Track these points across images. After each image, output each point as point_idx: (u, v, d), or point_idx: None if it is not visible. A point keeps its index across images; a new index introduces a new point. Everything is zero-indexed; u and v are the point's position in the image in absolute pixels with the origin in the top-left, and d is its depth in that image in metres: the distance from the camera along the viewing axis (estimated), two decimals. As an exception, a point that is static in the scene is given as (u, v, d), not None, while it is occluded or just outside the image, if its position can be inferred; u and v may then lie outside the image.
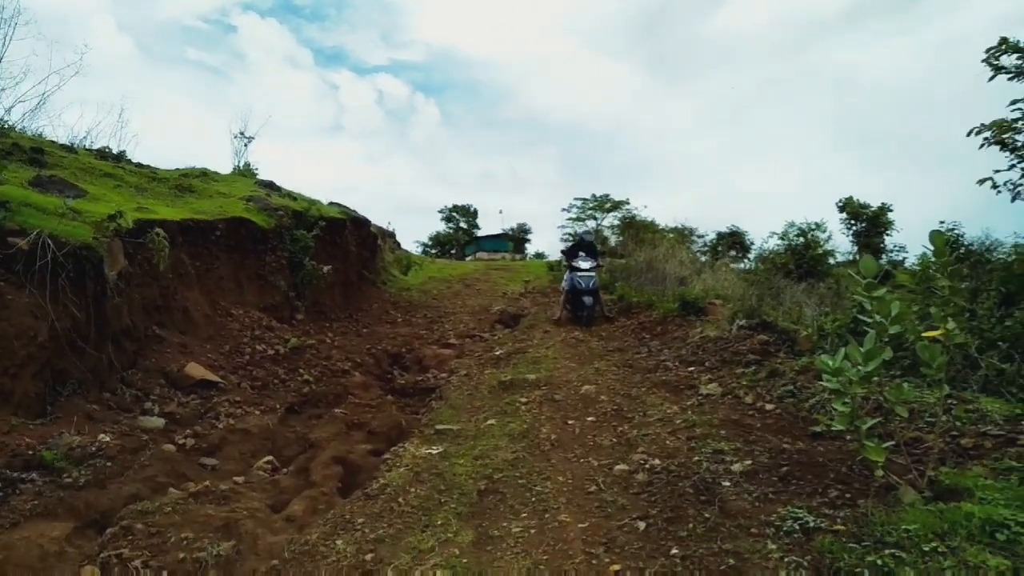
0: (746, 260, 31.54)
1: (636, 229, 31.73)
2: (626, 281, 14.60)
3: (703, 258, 27.10)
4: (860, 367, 3.65)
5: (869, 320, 3.87)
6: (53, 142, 11.69)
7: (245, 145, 16.39)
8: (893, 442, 3.91)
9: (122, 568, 3.98)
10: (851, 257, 26.30)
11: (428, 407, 7.95)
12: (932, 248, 3.99)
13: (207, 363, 7.95)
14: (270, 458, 6.19)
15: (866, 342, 3.71)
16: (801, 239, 22.93)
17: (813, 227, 23.38)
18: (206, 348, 8.42)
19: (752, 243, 34.57)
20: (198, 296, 9.13)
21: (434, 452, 5.88)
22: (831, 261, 23.62)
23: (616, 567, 3.63)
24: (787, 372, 6.53)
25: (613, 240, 33.80)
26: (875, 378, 3.79)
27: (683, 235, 33.71)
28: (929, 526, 3.19)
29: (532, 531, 4.23)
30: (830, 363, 3.75)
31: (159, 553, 4.17)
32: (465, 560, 3.88)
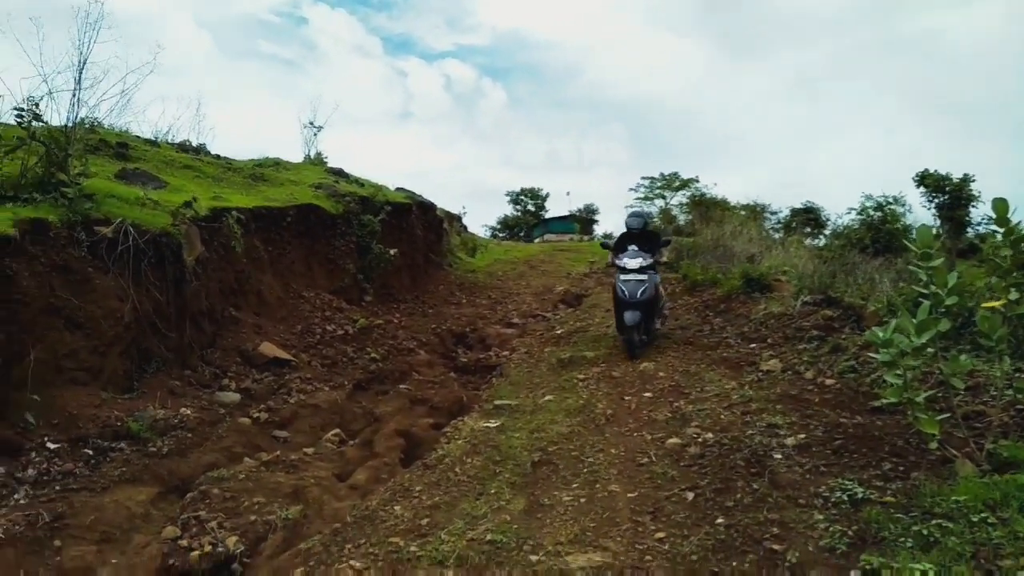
0: (821, 237, 30.45)
1: (705, 207, 31.10)
2: (692, 260, 14.41)
3: (776, 235, 26.37)
4: (912, 339, 3.58)
5: (925, 292, 3.78)
6: (137, 137, 12.39)
7: (315, 134, 16.92)
8: (948, 414, 3.81)
9: (200, 529, 4.31)
10: (934, 231, 25.05)
11: (489, 384, 8.14)
12: (994, 216, 3.85)
13: (280, 342, 8.36)
14: (337, 431, 6.49)
15: (919, 313, 3.63)
16: (878, 213, 22.01)
17: (890, 201, 22.39)
18: (279, 328, 8.84)
19: (828, 219, 33.34)
20: (271, 279, 9.57)
21: (492, 426, 6.05)
22: (912, 236, 22.57)
23: (661, 534, 3.70)
24: (850, 347, 6.38)
25: (682, 219, 33.24)
26: (930, 350, 3.70)
27: (755, 212, 32.81)
28: (980, 497, 3.13)
29: (582, 500, 4.34)
30: (880, 335, 3.68)
31: (233, 516, 4.49)
32: (516, 526, 4.02)
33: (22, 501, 4.42)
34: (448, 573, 3.50)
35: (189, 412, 6.13)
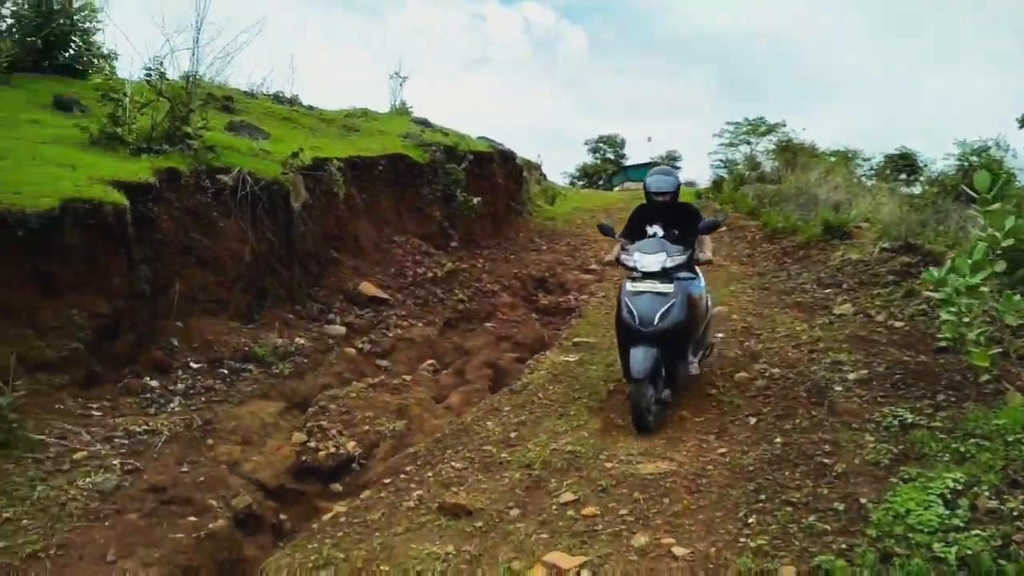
0: (917, 183, 29.15)
1: (792, 153, 30.18)
2: (774, 207, 14.36)
3: (869, 182, 25.45)
4: (967, 278, 3.84)
5: (983, 235, 4.01)
6: (237, 90, 13.25)
7: (400, 84, 17.45)
8: (1000, 349, 4.07)
9: (323, 435, 5.06)
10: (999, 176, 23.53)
11: (568, 324, 8.67)
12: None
13: (377, 283, 9.10)
14: (432, 362, 7.19)
15: (975, 254, 3.87)
16: (975, 158, 20.92)
17: (990, 145, 21.21)
18: (375, 270, 9.59)
19: (924, 165, 31.76)
20: (366, 225, 10.29)
21: (571, 359, 6.58)
22: (1016, 183, 21.39)
23: (723, 450, 4.17)
24: (923, 292, 6.54)
25: (768, 166, 32.38)
26: (984, 289, 3.95)
27: (845, 158, 31.61)
28: (1020, 422, 3.44)
29: (653, 422, 4.83)
30: (936, 274, 3.95)
31: (349, 426, 5.23)
32: (593, 441, 4.57)
33: (177, 408, 5.27)
34: (534, 473, 4.08)
35: (303, 341, 6.93)
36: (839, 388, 4.76)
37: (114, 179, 5.96)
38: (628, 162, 57.63)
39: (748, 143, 45.52)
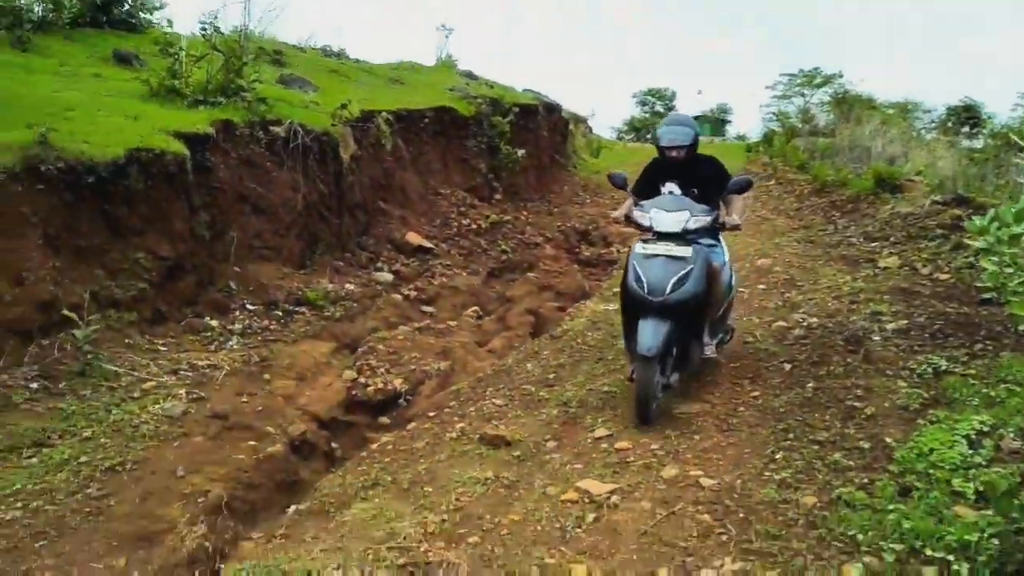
0: (979, 137, 27.96)
1: (848, 105, 29.19)
2: (825, 160, 14.06)
3: (928, 135, 24.53)
4: (1010, 227, 3.82)
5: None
6: (287, 44, 13.45)
7: (446, 37, 17.41)
8: (1040, 298, 4.05)
9: (371, 373, 5.34)
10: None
11: (609, 275, 8.78)
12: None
13: (422, 233, 9.34)
14: (475, 308, 7.42)
15: (1022, 202, 3.84)
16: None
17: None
18: (421, 221, 9.81)
19: (988, 117, 30.37)
20: (412, 177, 10.48)
21: (611, 308, 6.71)
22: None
23: (756, 393, 4.29)
24: (971, 244, 6.44)
25: (822, 120, 31.38)
26: (1027, 237, 3.92)
27: (904, 111, 30.43)
28: (1053, 368, 3.47)
29: (688, 367, 4.95)
30: (978, 223, 3.94)
31: (396, 365, 5.50)
32: (627, 383, 4.72)
33: (235, 346, 5.60)
34: (570, 410, 4.28)
35: (352, 287, 7.22)
36: (876, 338, 4.80)
37: (174, 130, 6.24)
38: (677, 116, 56.26)
39: (802, 95, 43.98)
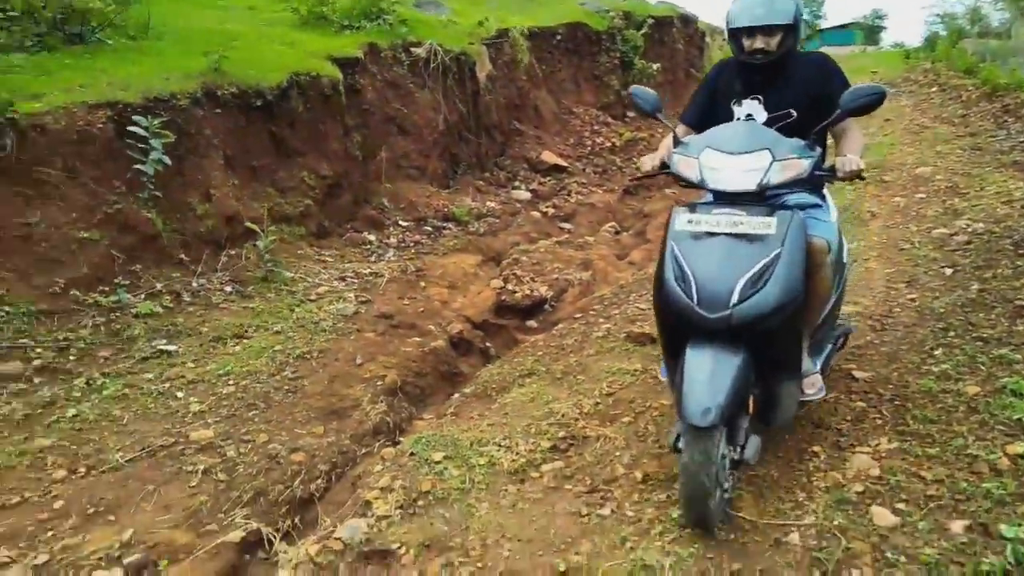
0: None
1: (1028, -1, 25.68)
2: (997, 63, 12.64)
3: None
4: None
5: None
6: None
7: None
8: None
9: (517, 281, 5.59)
10: None
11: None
12: None
13: (557, 152, 9.39)
14: (612, 224, 7.47)
15: None
16: None
17: None
18: (555, 140, 9.86)
19: None
20: (545, 96, 10.48)
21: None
22: None
23: (912, 295, 4.14)
24: None
25: (995, 19, 27.90)
26: None
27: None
28: None
29: (840, 273, 4.82)
30: None
31: (539, 275, 5.71)
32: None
33: (392, 258, 6.02)
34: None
35: (493, 204, 7.47)
36: (1053, 241, 4.45)
37: (327, 54, 6.61)
38: (825, 23, 51.88)
39: (973, -9, 39.25)
